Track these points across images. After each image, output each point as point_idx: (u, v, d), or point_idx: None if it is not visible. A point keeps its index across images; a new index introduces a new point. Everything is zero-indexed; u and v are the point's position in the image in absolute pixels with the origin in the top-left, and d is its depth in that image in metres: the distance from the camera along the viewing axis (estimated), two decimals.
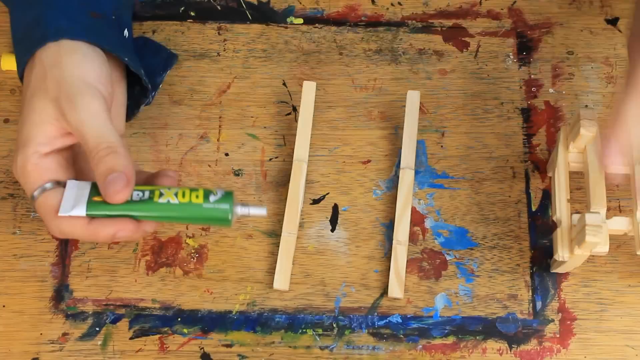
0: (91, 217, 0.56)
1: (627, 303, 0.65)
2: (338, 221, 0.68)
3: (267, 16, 0.75)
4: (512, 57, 0.73)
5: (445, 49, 0.74)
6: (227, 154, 0.70)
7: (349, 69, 0.73)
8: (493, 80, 0.73)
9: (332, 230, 0.68)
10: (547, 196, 0.69)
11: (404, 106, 0.70)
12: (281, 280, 0.65)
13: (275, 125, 0.71)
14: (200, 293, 0.66)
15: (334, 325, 0.65)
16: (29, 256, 0.67)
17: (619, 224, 0.61)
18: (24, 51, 0.60)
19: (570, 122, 0.64)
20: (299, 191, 0.67)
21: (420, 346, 0.64)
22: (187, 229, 0.68)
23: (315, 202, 0.69)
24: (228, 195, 0.58)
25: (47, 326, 0.65)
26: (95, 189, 0.56)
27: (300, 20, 0.75)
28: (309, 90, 0.70)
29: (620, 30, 0.74)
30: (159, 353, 0.64)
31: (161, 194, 0.57)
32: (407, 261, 0.66)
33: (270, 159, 0.70)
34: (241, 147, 0.70)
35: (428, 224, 0.68)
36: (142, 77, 0.64)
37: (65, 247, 0.67)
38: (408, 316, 0.65)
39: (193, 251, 0.67)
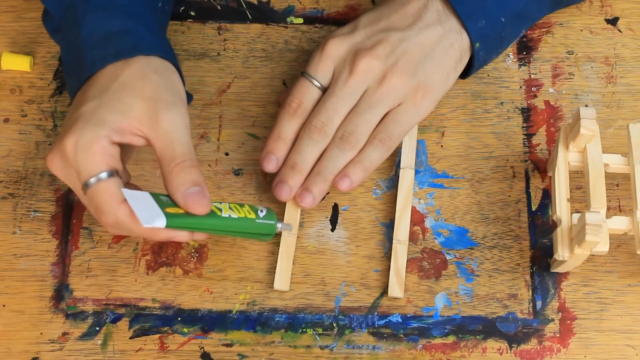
0: None
1: (627, 302, 0.65)
2: (338, 221, 0.68)
3: (267, 16, 0.75)
4: (512, 56, 0.73)
5: None
6: (227, 154, 0.70)
7: None
8: (493, 80, 0.73)
9: (332, 229, 0.68)
10: (547, 196, 0.69)
11: None
12: (282, 281, 0.65)
13: None
14: (200, 292, 0.66)
15: (334, 325, 0.65)
16: (29, 256, 0.67)
17: (619, 224, 0.62)
18: (104, 53, 0.61)
19: (570, 121, 0.64)
20: None
21: (420, 346, 0.64)
22: None
23: None
24: (272, 212, 0.62)
25: (47, 326, 0.65)
26: (156, 199, 0.57)
27: (300, 20, 0.75)
28: None
29: (620, 30, 0.74)
30: (159, 352, 0.64)
31: (220, 209, 0.59)
32: (407, 261, 0.66)
33: None
34: (241, 147, 0.70)
35: (428, 223, 0.68)
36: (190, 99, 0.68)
37: (65, 246, 0.67)
38: (408, 316, 0.65)
39: (193, 251, 0.67)
